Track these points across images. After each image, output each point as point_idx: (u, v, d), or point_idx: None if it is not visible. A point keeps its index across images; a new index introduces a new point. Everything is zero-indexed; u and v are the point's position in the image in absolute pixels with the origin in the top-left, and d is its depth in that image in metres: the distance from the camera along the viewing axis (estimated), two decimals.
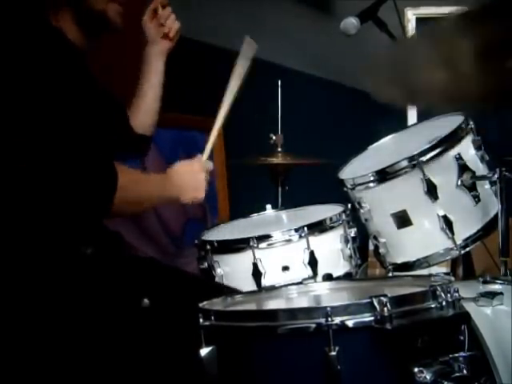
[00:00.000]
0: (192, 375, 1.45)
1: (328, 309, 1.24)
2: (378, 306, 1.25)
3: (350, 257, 1.94)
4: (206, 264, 1.92)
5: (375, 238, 1.90)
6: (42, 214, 1.68)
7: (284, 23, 3.84)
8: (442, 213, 1.79)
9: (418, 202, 1.80)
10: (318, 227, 1.91)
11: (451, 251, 1.82)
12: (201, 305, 1.43)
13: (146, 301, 1.68)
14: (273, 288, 1.78)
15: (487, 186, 1.82)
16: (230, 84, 1.93)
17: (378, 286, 1.64)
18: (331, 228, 1.93)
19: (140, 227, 2.90)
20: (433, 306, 1.30)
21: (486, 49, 1.20)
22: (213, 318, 1.36)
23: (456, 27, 1.24)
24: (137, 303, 1.69)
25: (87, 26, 1.85)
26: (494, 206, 1.80)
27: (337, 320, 1.24)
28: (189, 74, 3.05)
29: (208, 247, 1.91)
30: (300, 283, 1.79)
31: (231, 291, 1.72)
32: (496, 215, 1.78)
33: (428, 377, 1.24)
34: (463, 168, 1.80)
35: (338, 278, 1.88)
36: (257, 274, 1.84)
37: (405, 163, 1.79)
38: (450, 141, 1.81)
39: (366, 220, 1.90)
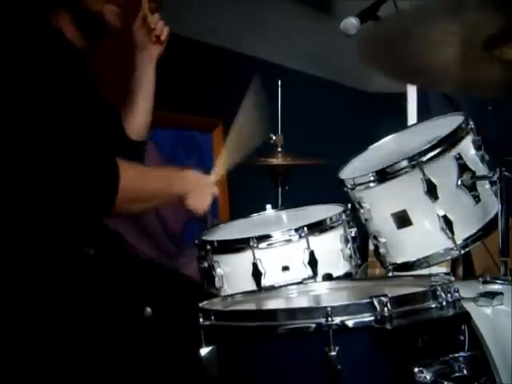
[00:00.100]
0: (192, 375, 1.45)
1: (328, 309, 1.24)
2: (378, 306, 1.25)
3: (350, 257, 1.94)
4: (206, 264, 1.92)
5: (375, 237, 1.90)
6: (45, 214, 1.68)
7: (284, 23, 3.85)
8: (441, 213, 1.79)
9: (418, 202, 1.80)
10: (318, 227, 1.91)
11: (451, 251, 1.82)
12: (201, 305, 1.43)
13: (148, 309, 1.69)
14: (273, 288, 1.79)
15: (487, 185, 1.82)
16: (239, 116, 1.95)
17: (378, 286, 1.64)
18: (331, 228, 1.93)
19: (140, 227, 2.90)
20: (433, 305, 1.31)
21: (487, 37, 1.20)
22: (213, 317, 1.36)
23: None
24: (138, 304, 1.70)
25: (85, 27, 1.85)
26: (494, 206, 1.80)
27: (337, 320, 1.24)
28: (189, 73, 3.05)
29: (208, 247, 1.91)
30: (300, 283, 1.79)
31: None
32: (496, 215, 1.78)
33: (428, 377, 1.24)
34: (463, 168, 1.80)
35: (338, 278, 1.88)
36: (257, 273, 1.84)
37: (405, 163, 1.79)
38: (449, 141, 1.80)
39: (365, 220, 1.90)
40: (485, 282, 1.65)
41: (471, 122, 1.85)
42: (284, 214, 2.23)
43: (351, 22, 2.21)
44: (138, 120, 2.08)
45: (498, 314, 1.54)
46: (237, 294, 1.65)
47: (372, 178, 1.84)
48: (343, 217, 1.94)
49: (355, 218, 1.95)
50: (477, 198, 1.81)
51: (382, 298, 1.24)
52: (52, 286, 1.65)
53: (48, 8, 1.82)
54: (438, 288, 1.31)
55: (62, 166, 1.64)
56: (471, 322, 1.42)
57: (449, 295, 1.32)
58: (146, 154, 2.18)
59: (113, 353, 1.64)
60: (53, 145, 1.64)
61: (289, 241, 1.87)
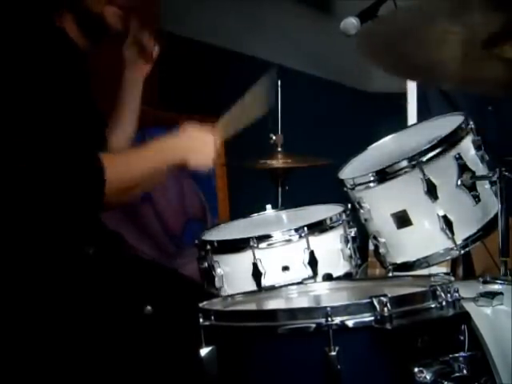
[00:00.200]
0: (192, 375, 1.45)
1: (328, 309, 1.24)
2: (378, 306, 1.25)
3: (350, 257, 1.94)
4: (206, 264, 1.92)
5: (375, 238, 1.90)
6: (41, 214, 1.68)
7: (284, 23, 3.84)
8: (441, 213, 1.79)
9: (418, 202, 1.80)
10: (318, 227, 1.91)
11: (451, 251, 1.81)
12: (201, 305, 1.43)
13: (148, 308, 1.69)
14: (273, 288, 1.79)
15: (487, 185, 1.82)
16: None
17: (377, 286, 1.64)
18: (331, 228, 1.93)
19: (140, 227, 2.90)
20: (433, 305, 1.31)
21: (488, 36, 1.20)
22: (213, 317, 1.36)
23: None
24: (138, 304, 1.70)
25: (86, 28, 1.86)
26: (494, 206, 1.79)
27: (337, 320, 1.25)
28: (189, 73, 3.05)
29: (208, 247, 1.91)
30: (300, 283, 1.79)
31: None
32: (496, 215, 1.78)
33: (428, 377, 1.24)
34: (463, 168, 1.80)
35: (338, 278, 1.88)
36: (257, 274, 1.84)
37: (405, 163, 1.79)
38: (449, 141, 1.80)
39: (365, 220, 1.90)
40: (485, 282, 1.65)
41: (471, 122, 1.85)
42: (284, 214, 2.24)
43: (351, 22, 2.21)
44: (118, 138, 2.10)
45: (498, 314, 1.54)
46: (237, 294, 1.65)
47: (372, 178, 1.84)
48: (343, 217, 1.94)
49: (355, 218, 1.95)
50: (477, 198, 1.81)
51: (382, 298, 1.24)
52: (52, 285, 1.65)
53: (52, 8, 1.83)
54: (438, 288, 1.31)
55: (54, 163, 1.64)
56: (471, 322, 1.42)
57: (449, 295, 1.32)
58: None
59: (113, 353, 1.64)
60: (48, 144, 1.64)
61: (289, 241, 1.87)
